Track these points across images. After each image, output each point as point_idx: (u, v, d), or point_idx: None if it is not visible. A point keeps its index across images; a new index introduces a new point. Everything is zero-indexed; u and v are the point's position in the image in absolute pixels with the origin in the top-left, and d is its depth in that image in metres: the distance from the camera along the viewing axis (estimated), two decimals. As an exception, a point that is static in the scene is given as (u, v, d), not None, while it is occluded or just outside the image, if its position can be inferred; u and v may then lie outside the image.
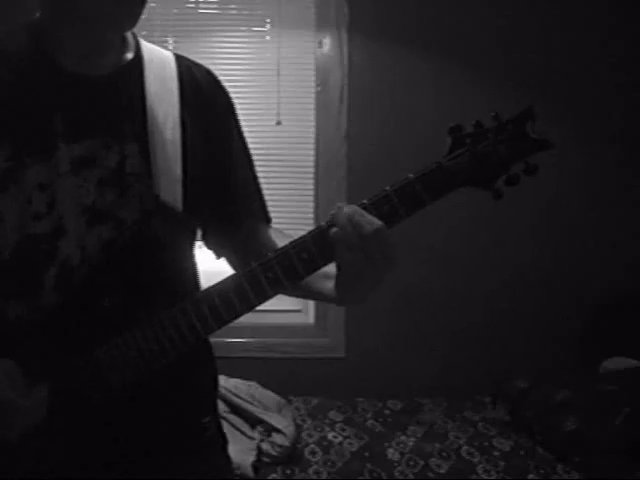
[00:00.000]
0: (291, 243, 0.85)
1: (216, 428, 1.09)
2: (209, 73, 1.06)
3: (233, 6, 2.68)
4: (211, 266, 1.14)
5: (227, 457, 1.11)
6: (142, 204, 0.92)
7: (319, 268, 0.86)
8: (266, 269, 0.85)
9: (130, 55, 0.98)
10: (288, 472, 2.01)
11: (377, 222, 0.80)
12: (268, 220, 1.10)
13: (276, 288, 0.86)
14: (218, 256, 1.10)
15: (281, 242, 0.93)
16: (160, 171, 0.93)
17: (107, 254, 0.91)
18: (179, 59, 1.03)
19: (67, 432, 0.88)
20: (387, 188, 0.83)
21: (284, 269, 0.84)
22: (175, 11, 2.64)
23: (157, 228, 0.93)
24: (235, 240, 1.07)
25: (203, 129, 1.00)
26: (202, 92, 1.02)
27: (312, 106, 2.67)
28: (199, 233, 1.09)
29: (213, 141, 1.02)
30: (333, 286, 0.91)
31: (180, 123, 0.96)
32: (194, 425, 1.03)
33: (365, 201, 0.83)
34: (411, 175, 0.83)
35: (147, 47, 1.01)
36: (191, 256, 1.05)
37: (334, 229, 0.82)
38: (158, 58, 1.00)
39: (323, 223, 0.85)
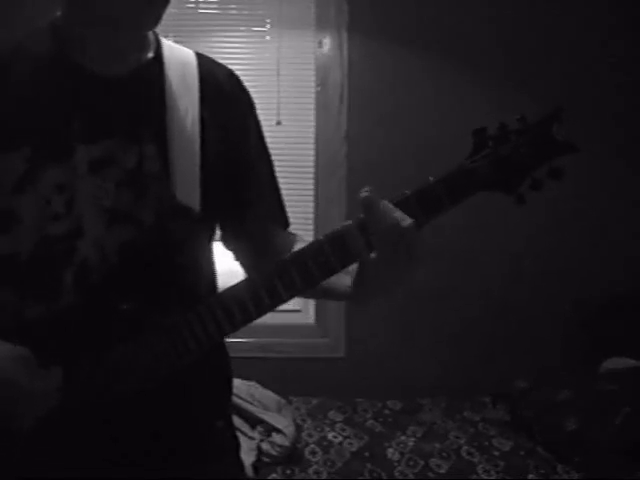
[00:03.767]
0: (307, 246, 0.84)
1: (229, 432, 1.09)
2: (231, 73, 1.05)
3: (233, 6, 2.69)
4: (231, 266, 1.13)
5: (239, 461, 1.11)
6: (160, 205, 0.92)
7: (336, 272, 0.84)
8: (281, 273, 0.83)
9: (150, 54, 0.98)
10: (288, 472, 2.01)
11: (409, 219, 0.78)
12: (286, 223, 1.09)
13: (291, 292, 0.84)
14: (236, 257, 1.10)
15: (297, 246, 0.92)
16: (177, 171, 0.92)
17: (125, 255, 0.90)
18: (200, 58, 1.02)
19: (78, 433, 0.88)
20: (407, 192, 0.81)
21: (300, 273, 0.83)
22: (175, 11, 2.64)
23: (175, 229, 0.93)
24: (250, 242, 1.06)
25: (223, 129, 0.99)
26: (223, 92, 1.01)
27: (312, 106, 2.67)
28: (218, 233, 1.08)
29: (232, 141, 1.01)
30: (350, 282, 0.89)
31: (199, 122, 0.96)
32: (207, 428, 1.02)
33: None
34: (431, 178, 0.81)
35: (168, 46, 1.00)
36: (209, 257, 1.04)
37: (361, 217, 0.80)
38: (179, 57, 1.00)
39: (338, 227, 0.82)
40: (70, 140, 0.89)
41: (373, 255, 0.80)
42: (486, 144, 0.81)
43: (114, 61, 0.93)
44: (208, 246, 1.04)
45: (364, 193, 0.80)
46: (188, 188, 0.93)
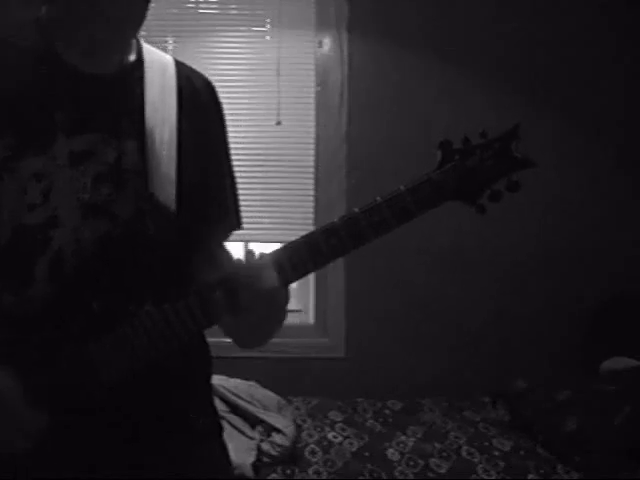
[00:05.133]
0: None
1: (210, 417, 1.09)
2: (207, 82, 1.08)
3: (233, 6, 2.69)
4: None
5: (223, 446, 1.11)
6: (137, 201, 0.94)
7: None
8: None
9: (132, 57, 1.01)
10: (288, 472, 2.00)
11: (277, 278, 0.85)
12: (239, 224, 1.12)
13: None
14: None
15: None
16: (155, 170, 0.95)
17: (100, 248, 0.92)
18: (179, 65, 1.05)
19: (58, 426, 0.89)
20: (378, 198, 0.87)
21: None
22: (175, 11, 2.64)
23: (151, 226, 0.95)
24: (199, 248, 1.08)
25: (197, 134, 1.02)
26: (199, 99, 1.04)
27: (312, 106, 2.68)
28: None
29: (204, 147, 1.04)
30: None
31: (177, 125, 0.98)
32: (186, 415, 1.03)
33: (357, 209, 0.87)
34: (402, 187, 0.87)
35: (149, 50, 1.03)
36: (185, 258, 1.05)
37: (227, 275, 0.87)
38: (159, 62, 1.02)
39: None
40: (52, 131, 0.91)
41: (240, 312, 0.87)
42: (452, 157, 0.88)
43: (99, 60, 0.96)
44: (184, 246, 1.04)
45: (239, 258, 0.88)
46: (165, 186, 0.95)
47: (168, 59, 1.04)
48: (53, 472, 0.90)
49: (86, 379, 0.88)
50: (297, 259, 0.87)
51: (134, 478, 0.96)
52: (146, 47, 1.03)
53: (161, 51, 1.06)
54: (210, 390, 1.14)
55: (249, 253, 0.87)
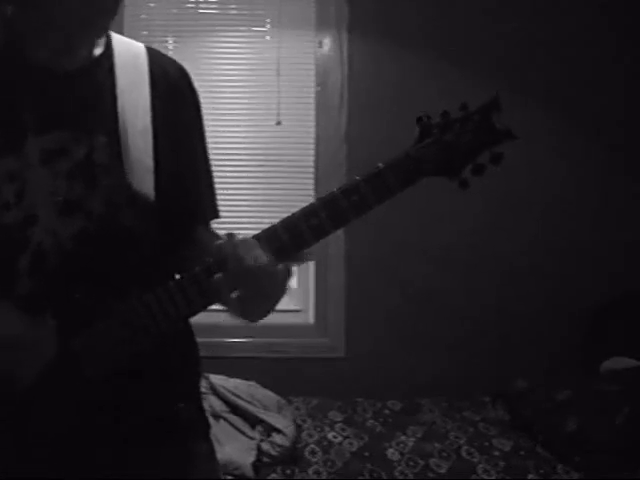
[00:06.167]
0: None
1: (195, 415, 1.08)
2: (180, 68, 1.07)
3: (233, 6, 2.69)
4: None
5: (209, 444, 1.10)
6: (111, 195, 0.94)
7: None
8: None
9: (100, 49, 1.00)
10: (288, 472, 2.00)
11: (265, 258, 0.82)
12: (216, 214, 1.10)
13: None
14: None
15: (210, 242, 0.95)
16: (132, 161, 0.94)
17: (79, 243, 0.92)
18: (151, 52, 1.04)
19: (43, 421, 0.89)
20: (357, 178, 0.85)
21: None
22: (175, 11, 2.64)
23: (128, 219, 0.95)
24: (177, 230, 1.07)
25: (171, 119, 1.01)
26: (172, 84, 1.03)
27: (312, 106, 2.68)
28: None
29: (178, 131, 1.03)
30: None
31: (151, 112, 0.98)
32: (167, 411, 1.02)
33: (335, 190, 0.85)
34: (380, 164, 0.86)
35: (118, 40, 1.03)
36: (166, 249, 1.04)
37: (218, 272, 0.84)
38: (129, 50, 1.02)
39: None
40: (22, 131, 0.92)
41: (233, 295, 0.84)
42: (431, 132, 0.85)
43: (65, 57, 0.96)
44: (165, 237, 1.03)
45: (223, 240, 0.84)
46: (142, 176, 0.95)
47: (139, 47, 1.04)
48: (44, 471, 0.90)
49: (72, 374, 0.88)
50: (278, 242, 0.85)
51: (125, 477, 0.95)
52: (116, 37, 1.03)
53: (133, 40, 1.05)
54: (199, 389, 1.13)
55: (229, 235, 0.85)
